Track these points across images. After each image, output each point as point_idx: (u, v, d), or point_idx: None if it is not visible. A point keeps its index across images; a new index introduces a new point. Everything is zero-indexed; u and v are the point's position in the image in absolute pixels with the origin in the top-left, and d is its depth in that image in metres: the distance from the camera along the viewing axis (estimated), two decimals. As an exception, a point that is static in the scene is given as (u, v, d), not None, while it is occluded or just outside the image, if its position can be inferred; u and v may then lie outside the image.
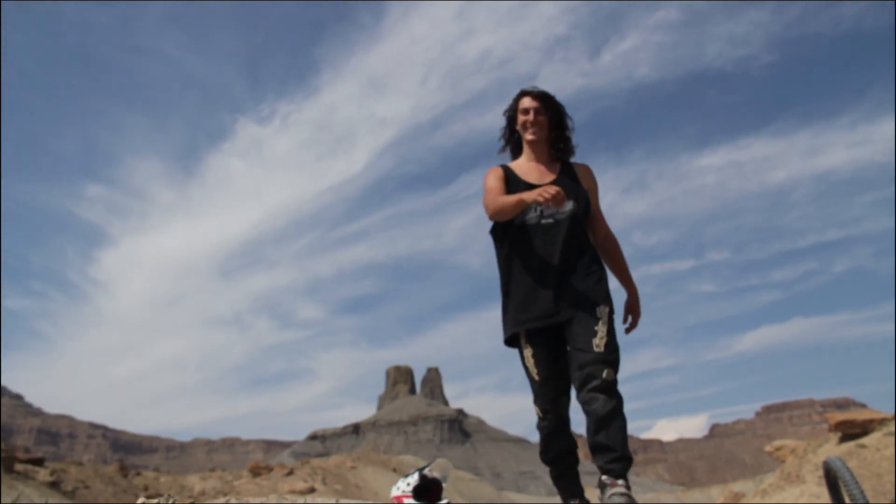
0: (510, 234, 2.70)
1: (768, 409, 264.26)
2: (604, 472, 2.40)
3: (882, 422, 15.87)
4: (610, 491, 2.32)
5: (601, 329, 2.51)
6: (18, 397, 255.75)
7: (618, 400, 2.45)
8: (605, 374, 2.41)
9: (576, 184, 2.74)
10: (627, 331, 2.75)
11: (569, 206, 2.66)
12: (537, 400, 2.65)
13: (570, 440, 2.72)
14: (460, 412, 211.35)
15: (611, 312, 2.59)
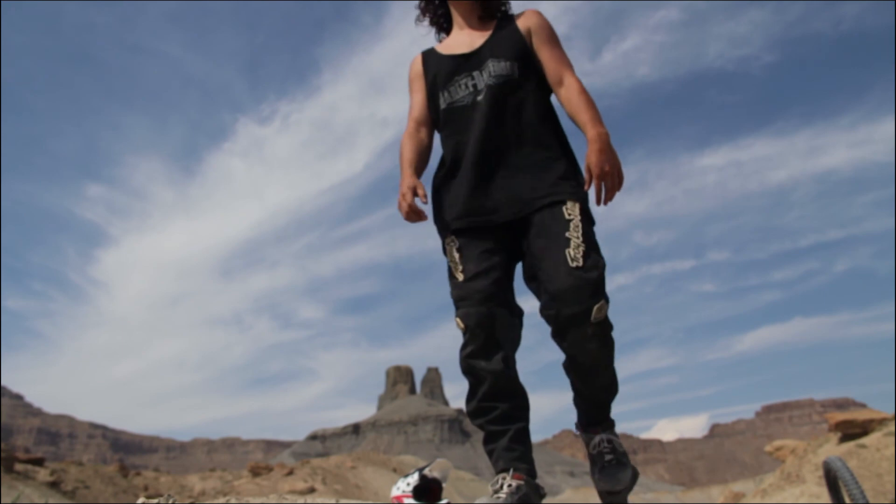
0: (441, 121, 2.09)
1: (768, 409, 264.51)
2: (590, 419, 2.01)
3: (882, 422, 15.87)
4: (596, 442, 1.97)
5: (574, 234, 1.81)
6: (18, 397, 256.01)
7: (611, 343, 1.86)
8: (595, 312, 1.75)
9: (514, 41, 2.05)
10: (599, 198, 1.80)
11: (502, 67, 2.00)
12: (459, 306, 1.91)
13: (511, 381, 1.91)
14: (460, 412, 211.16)
15: (584, 210, 1.89)
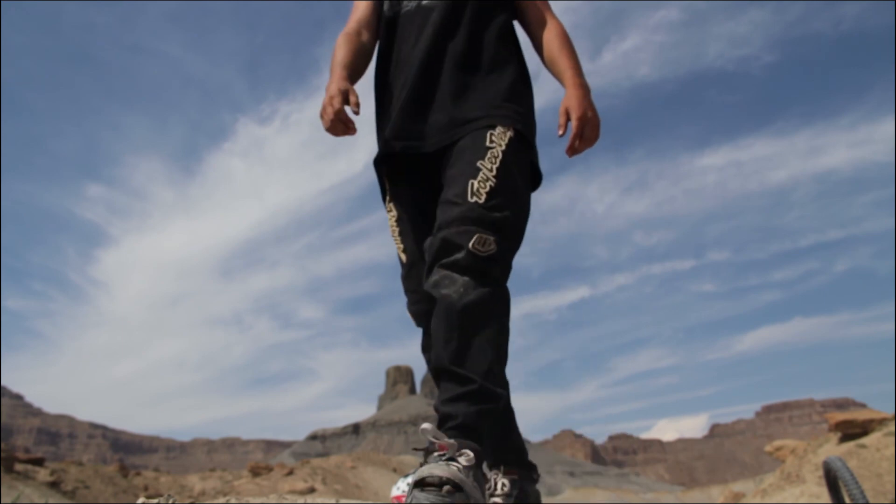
0: (381, 32, 1.80)
1: (768, 409, 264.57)
2: (442, 419, 1.31)
3: (882, 422, 15.88)
4: (428, 469, 1.19)
5: (487, 164, 1.44)
6: (18, 397, 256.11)
7: (491, 290, 1.36)
8: (472, 243, 1.35)
9: None
10: (570, 149, 1.52)
11: None
12: (408, 298, 1.65)
13: None
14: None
15: (516, 140, 1.52)
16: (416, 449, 1.38)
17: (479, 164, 1.45)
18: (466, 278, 1.36)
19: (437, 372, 1.37)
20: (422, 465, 1.27)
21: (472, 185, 1.42)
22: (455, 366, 1.33)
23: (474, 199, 1.40)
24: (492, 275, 1.38)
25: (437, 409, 1.36)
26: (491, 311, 1.37)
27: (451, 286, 1.36)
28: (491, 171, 1.44)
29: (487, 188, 1.42)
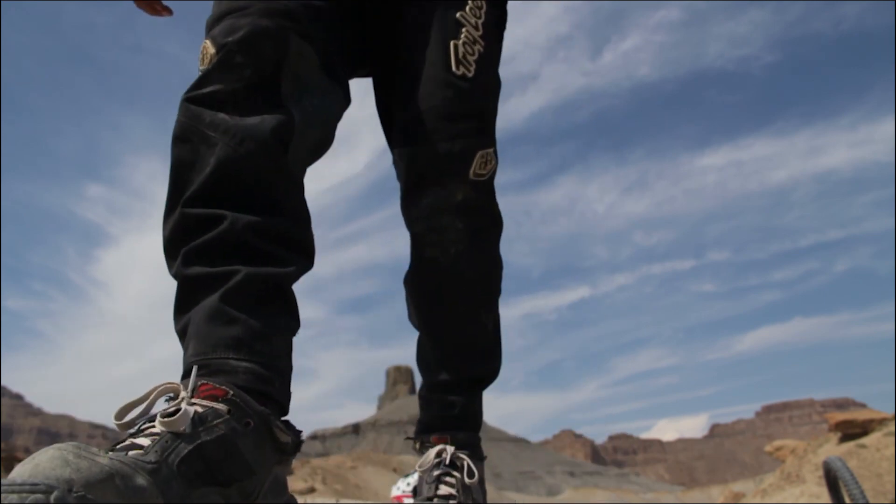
0: None
1: (768, 409, 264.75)
2: (436, 404, 1.13)
3: (882, 422, 15.89)
4: (430, 470, 1.05)
5: (470, 20, 1.03)
6: (18, 397, 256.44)
7: (486, 241, 1.10)
8: (477, 162, 1.01)
9: None
10: None
11: None
12: (218, 21, 0.92)
13: (282, 175, 0.83)
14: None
15: None
16: (408, 438, 1.19)
17: (459, 15, 1.03)
18: (459, 227, 1.04)
19: (432, 347, 1.15)
20: (420, 467, 1.11)
21: (455, 47, 1.01)
22: (445, 345, 1.12)
23: (461, 70, 1.01)
24: (488, 205, 1.08)
25: (425, 388, 1.15)
26: (484, 271, 1.11)
27: (439, 244, 1.05)
28: (476, 28, 1.04)
29: (476, 55, 1.03)
